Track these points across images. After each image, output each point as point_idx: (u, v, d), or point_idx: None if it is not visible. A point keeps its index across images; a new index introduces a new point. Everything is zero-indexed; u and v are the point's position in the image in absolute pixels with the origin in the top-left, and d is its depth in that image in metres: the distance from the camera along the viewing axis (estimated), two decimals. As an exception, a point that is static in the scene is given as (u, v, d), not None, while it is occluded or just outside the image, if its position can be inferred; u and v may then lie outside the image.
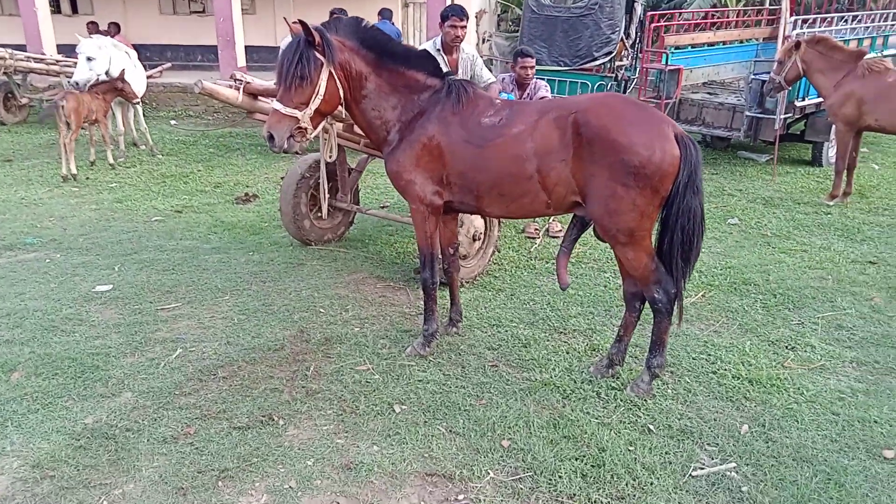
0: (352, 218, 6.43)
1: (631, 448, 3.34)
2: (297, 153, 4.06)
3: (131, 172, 8.91)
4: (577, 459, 3.25)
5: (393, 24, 10.94)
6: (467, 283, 5.26)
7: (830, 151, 9.52)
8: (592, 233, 3.87)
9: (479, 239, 5.35)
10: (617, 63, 11.08)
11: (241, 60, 13.51)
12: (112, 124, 9.42)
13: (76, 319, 4.62)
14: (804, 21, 8.59)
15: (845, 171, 7.58)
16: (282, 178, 6.10)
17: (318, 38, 3.64)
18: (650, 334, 3.81)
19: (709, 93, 9.98)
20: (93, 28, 12.87)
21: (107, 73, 8.80)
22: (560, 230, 6.38)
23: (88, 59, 8.66)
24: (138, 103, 9.57)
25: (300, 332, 4.47)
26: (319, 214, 6.11)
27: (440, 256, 4.19)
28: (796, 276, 5.54)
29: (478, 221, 5.26)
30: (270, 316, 4.68)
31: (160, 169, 9.10)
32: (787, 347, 4.38)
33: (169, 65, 12.18)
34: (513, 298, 5.08)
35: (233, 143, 10.82)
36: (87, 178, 8.51)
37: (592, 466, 3.20)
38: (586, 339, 4.48)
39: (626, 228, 3.49)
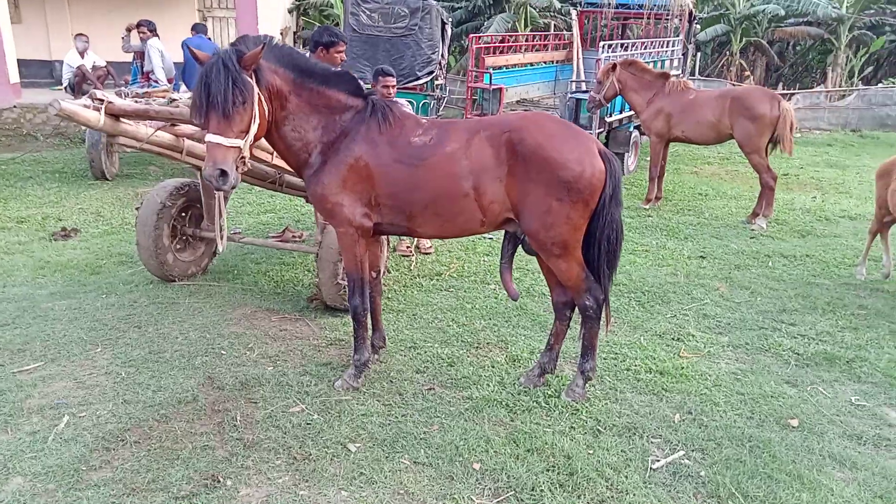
0: (215, 248, 5.91)
1: (591, 451, 3.48)
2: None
3: None
4: (549, 471, 3.31)
5: (209, 39, 10.25)
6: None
7: (630, 161, 10.72)
8: (522, 248, 3.96)
9: (385, 269, 5.21)
10: (436, 82, 11.47)
11: (14, 76, 11.77)
12: None
13: None
14: (609, 46, 9.56)
15: (657, 177, 8.60)
16: (136, 209, 5.42)
17: (253, 61, 3.35)
18: (578, 339, 3.99)
19: (526, 109, 10.70)
20: None
21: None
22: (408, 247, 6.42)
23: None
24: None
25: (208, 378, 4.01)
26: (180, 247, 5.55)
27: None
28: (652, 274, 6.15)
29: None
30: (164, 365, 4.14)
31: (-62, 205, 7.62)
32: (674, 339, 4.84)
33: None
34: (416, 318, 5.02)
35: (21, 171, 9.38)
36: None
37: (566, 475, 3.28)
38: (502, 351, 4.57)
39: (561, 241, 3.63)
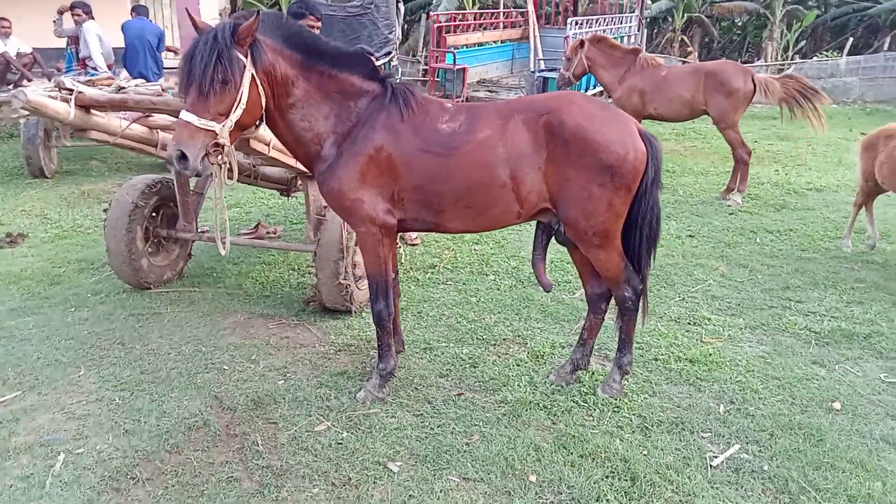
0: (190, 249, 5.44)
1: (645, 452, 3.29)
2: (197, 176, 3.24)
3: None
4: (609, 478, 3.10)
5: (152, 21, 9.54)
6: (365, 306, 4.77)
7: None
8: (555, 238, 3.71)
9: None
10: (392, 63, 11.07)
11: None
12: None
13: None
14: (576, 23, 9.38)
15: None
16: (104, 211, 4.90)
17: (247, 35, 2.96)
18: (614, 332, 3.79)
19: (490, 91, 10.45)
20: None
21: None
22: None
23: None
24: None
25: (215, 398, 3.62)
26: (152, 250, 5.07)
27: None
28: (649, 255, 6.01)
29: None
30: (162, 386, 3.72)
31: None
32: (690, 324, 4.71)
33: None
34: (422, 316, 4.72)
35: (-55, 172, 8.54)
36: None
37: (628, 482, 3.08)
38: (521, 347, 4.33)
39: (603, 230, 3.40)
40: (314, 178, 3.52)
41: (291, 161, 4.30)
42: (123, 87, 7.24)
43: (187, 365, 3.93)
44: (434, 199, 3.40)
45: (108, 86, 8.41)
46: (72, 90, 3.77)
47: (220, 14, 14.19)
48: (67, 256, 5.86)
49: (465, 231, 3.63)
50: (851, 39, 18.99)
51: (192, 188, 5.07)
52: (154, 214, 5.04)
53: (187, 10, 3.40)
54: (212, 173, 5.12)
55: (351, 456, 3.20)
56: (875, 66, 18.89)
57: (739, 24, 22.43)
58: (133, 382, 3.74)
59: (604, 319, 3.88)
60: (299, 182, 5.56)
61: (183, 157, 2.96)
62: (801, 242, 6.50)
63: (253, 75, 3.08)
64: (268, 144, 4.00)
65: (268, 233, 6.44)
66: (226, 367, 3.92)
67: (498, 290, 5.25)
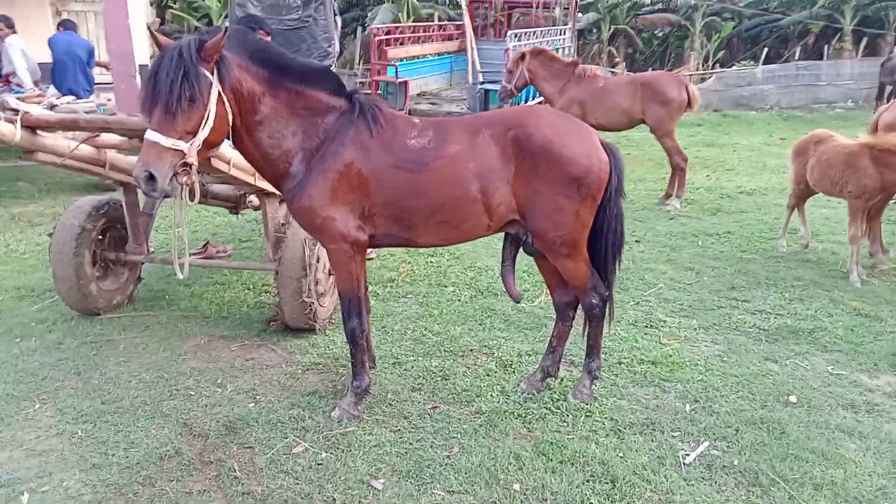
0: (140, 272, 5.26)
1: (621, 454, 3.38)
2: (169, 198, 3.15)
3: None
4: (590, 482, 3.17)
5: (82, 37, 9.19)
6: (328, 323, 4.72)
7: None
8: (523, 249, 3.77)
9: (335, 273, 4.84)
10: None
11: None
12: None
13: None
14: (515, 35, 9.56)
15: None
16: (49, 235, 4.68)
17: (214, 51, 2.91)
18: (583, 339, 3.88)
19: (432, 103, 10.52)
20: None
21: None
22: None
23: None
24: None
25: (185, 426, 3.50)
26: (100, 274, 4.88)
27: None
28: (600, 262, 6.17)
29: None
30: (126, 416, 3.57)
31: None
32: (647, 326, 4.86)
33: None
34: (387, 331, 4.70)
35: None
36: None
37: (609, 484, 3.15)
38: (488, 357, 4.37)
39: (570, 240, 3.49)
40: (283, 196, 3.47)
41: (251, 179, 4.22)
42: (56, 105, 6.95)
43: (150, 392, 3.80)
44: (405, 215, 3.40)
45: (39, 103, 8.05)
46: (17, 111, 3.60)
47: (149, 27, 13.80)
48: (4, 284, 5.56)
49: (435, 245, 3.66)
50: (767, 49, 20.06)
51: (141, 209, 4.90)
52: (101, 237, 4.84)
53: (149, 28, 3.31)
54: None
55: (333, 476, 3.16)
56: (788, 74, 20.01)
57: (661, 35, 23.35)
58: (94, 414, 3.59)
59: (572, 326, 3.97)
60: (248, 199, 5.45)
61: (151, 178, 2.88)
62: (739, 244, 6.80)
63: (220, 92, 3.02)
64: (228, 163, 3.92)
65: (217, 252, 6.27)
66: (192, 393, 3.81)
67: (459, 301, 5.28)
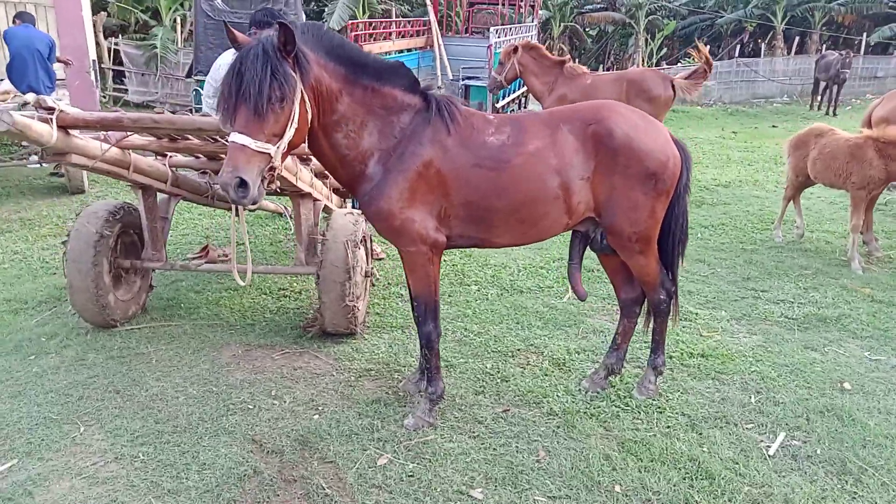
0: (151, 280, 4.93)
1: (706, 449, 3.37)
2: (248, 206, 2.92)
3: None
4: (688, 479, 3.14)
5: (41, 31, 8.58)
6: (365, 327, 4.55)
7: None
8: (590, 246, 3.72)
9: (372, 274, 4.66)
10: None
11: None
12: None
13: None
14: (497, 31, 9.52)
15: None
16: (63, 243, 4.32)
17: (294, 47, 2.73)
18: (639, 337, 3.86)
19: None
20: None
21: None
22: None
23: None
24: None
25: (254, 442, 3.28)
26: (113, 283, 4.55)
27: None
28: (612, 256, 6.19)
29: (362, 254, 4.53)
30: (188, 435, 3.32)
31: None
32: (683, 319, 4.87)
33: None
34: (427, 334, 4.56)
35: None
36: None
37: (707, 481, 3.13)
38: (538, 356, 4.30)
39: (645, 236, 3.46)
40: (358, 199, 3.29)
41: (293, 179, 4.00)
42: (28, 103, 6.56)
43: (204, 408, 3.55)
44: (485, 215, 3.29)
45: (4, 101, 7.49)
46: (52, 109, 3.28)
47: (95, 23, 13.06)
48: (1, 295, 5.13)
49: (512, 245, 3.55)
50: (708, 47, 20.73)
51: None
52: (115, 244, 4.51)
53: (225, 24, 3.07)
54: (170, 196, 4.71)
55: (427, 488, 3.02)
56: (730, 70, 20.76)
57: (607, 32, 23.80)
58: (151, 434, 3.32)
59: (637, 323, 3.94)
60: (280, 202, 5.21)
61: (242, 184, 2.67)
62: (737, 235, 6.96)
63: (302, 91, 2.83)
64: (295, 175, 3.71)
65: (219, 255, 5.97)
66: (250, 407, 3.58)
67: (487, 299, 5.19)
